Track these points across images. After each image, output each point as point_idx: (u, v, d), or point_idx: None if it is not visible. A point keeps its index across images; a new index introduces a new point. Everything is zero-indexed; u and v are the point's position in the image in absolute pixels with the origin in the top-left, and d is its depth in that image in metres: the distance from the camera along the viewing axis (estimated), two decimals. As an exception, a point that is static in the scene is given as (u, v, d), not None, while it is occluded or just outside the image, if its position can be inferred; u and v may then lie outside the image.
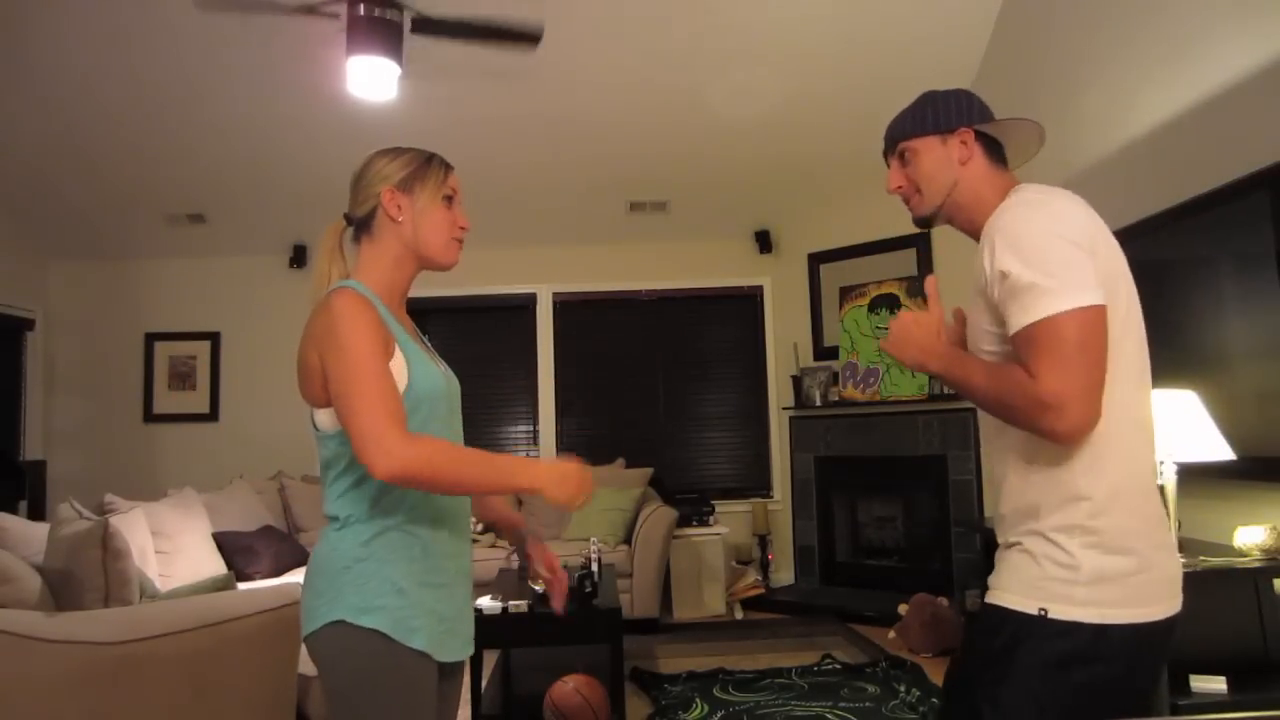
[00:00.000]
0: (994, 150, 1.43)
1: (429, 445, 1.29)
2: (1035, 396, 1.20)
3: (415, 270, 1.51)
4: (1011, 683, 1.25)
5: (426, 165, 1.49)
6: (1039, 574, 1.26)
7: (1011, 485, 1.34)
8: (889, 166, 1.50)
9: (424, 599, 1.37)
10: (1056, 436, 1.21)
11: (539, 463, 1.37)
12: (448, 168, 1.51)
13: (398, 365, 1.37)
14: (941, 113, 1.42)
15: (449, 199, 1.50)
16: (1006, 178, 1.42)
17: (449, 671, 1.47)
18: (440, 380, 1.45)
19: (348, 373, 1.30)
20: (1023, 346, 1.24)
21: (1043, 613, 1.24)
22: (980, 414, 1.44)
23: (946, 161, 1.41)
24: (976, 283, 1.35)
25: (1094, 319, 1.21)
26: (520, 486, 1.34)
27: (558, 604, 1.67)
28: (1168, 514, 2.37)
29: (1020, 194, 1.35)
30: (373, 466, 1.25)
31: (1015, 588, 1.29)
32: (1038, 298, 1.21)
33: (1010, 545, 1.33)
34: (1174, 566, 1.30)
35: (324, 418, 1.39)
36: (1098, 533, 1.23)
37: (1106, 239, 1.29)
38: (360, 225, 1.49)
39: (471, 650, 1.50)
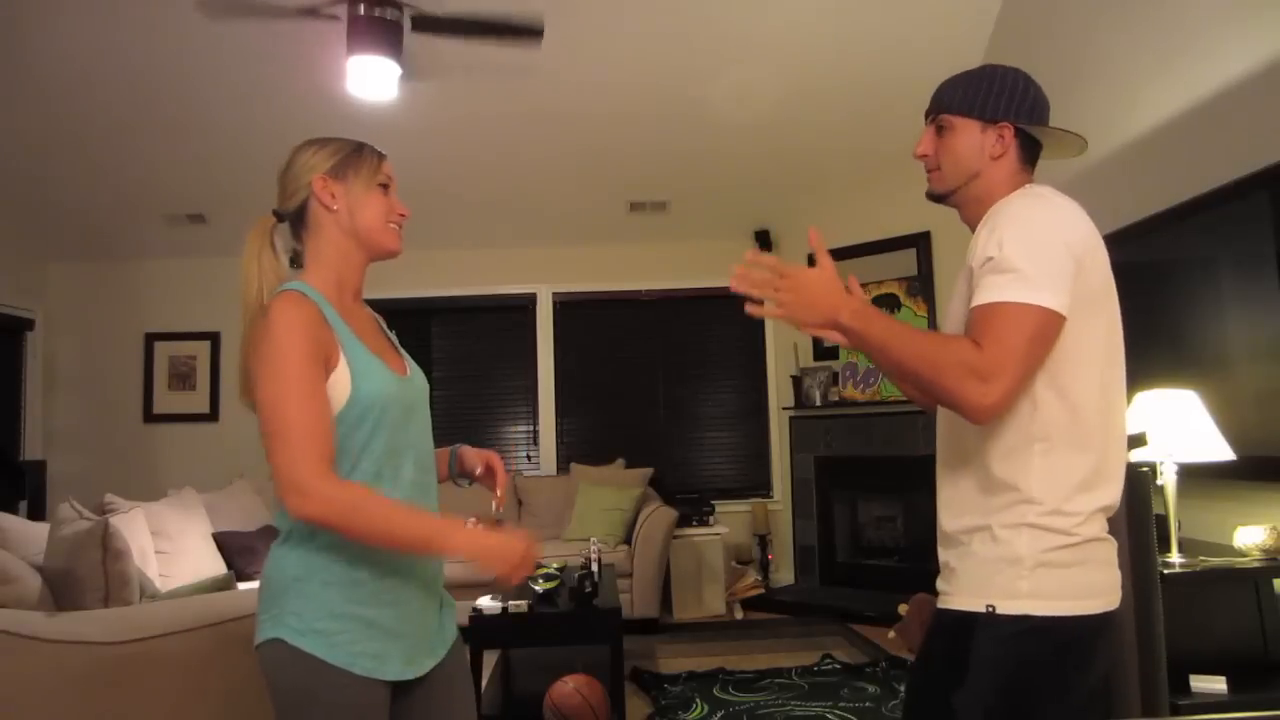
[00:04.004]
0: (1030, 149, 1.41)
1: (351, 494, 1.26)
2: (970, 362, 1.19)
3: (364, 260, 1.46)
4: (965, 686, 1.25)
5: (358, 153, 1.44)
6: (985, 572, 1.27)
7: (964, 494, 1.34)
8: (926, 126, 1.45)
9: (370, 619, 1.32)
10: (970, 406, 1.20)
11: (471, 533, 1.31)
12: (380, 155, 1.47)
13: (340, 376, 1.33)
14: (992, 99, 1.37)
15: (384, 186, 1.45)
16: (1025, 177, 1.40)
17: (422, 683, 1.41)
18: (391, 384, 1.38)
19: (273, 400, 1.26)
20: (981, 319, 1.23)
21: (990, 609, 1.25)
22: (939, 425, 1.42)
23: (978, 150, 1.38)
24: (967, 264, 1.34)
25: (1052, 324, 1.22)
26: (444, 552, 1.31)
27: (498, 497, 1.57)
28: (1168, 514, 2.37)
29: (1032, 188, 1.36)
30: (289, 508, 1.22)
31: (963, 588, 1.31)
32: (1016, 281, 1.21)
33: (957, 546, 1.34)
34: (1113, 561, 1.31)
35: None
36: (1045, 528, 1.24)
37: (1100, 253, 1.30)
38: (296, 220, 1.44)
39: (432, 663, 1.42)
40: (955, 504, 1.37)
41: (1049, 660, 1.24)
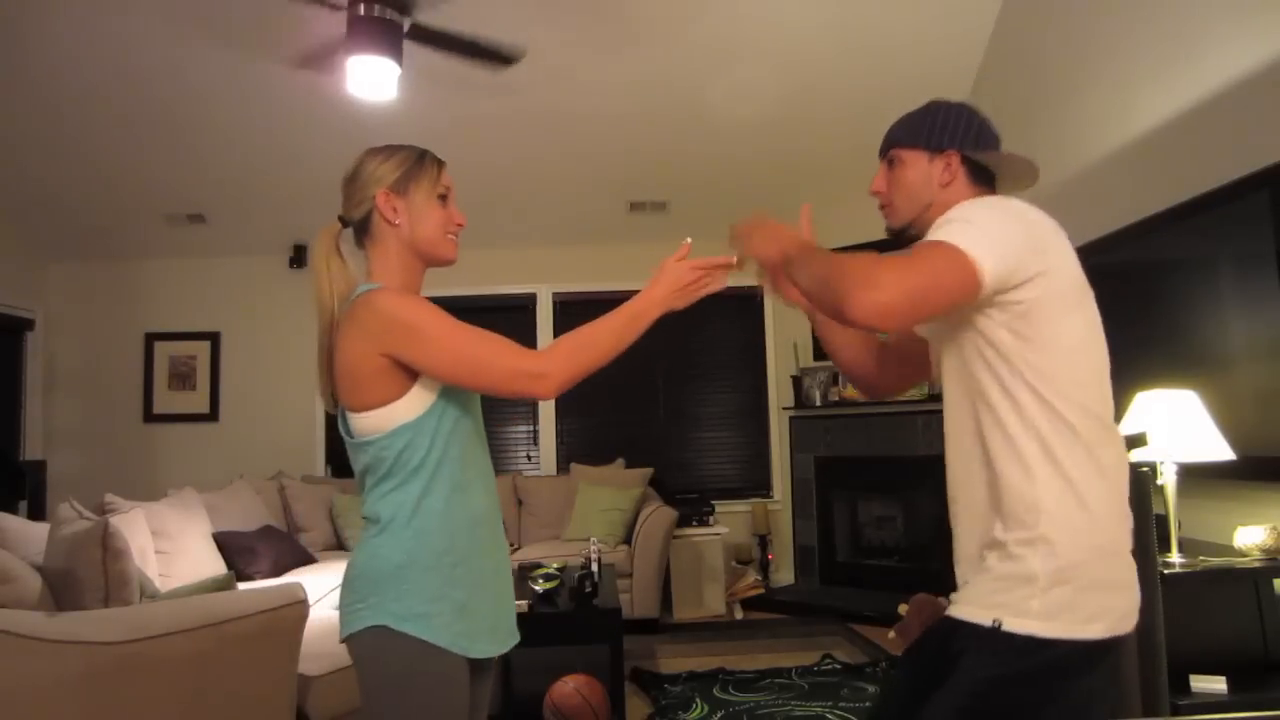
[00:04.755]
0: (981, 176, 1.41)
1: (563, 347, 1.37)
2: (865, 271, 1.18)
3: (423, 268, 1.52)
4: (945, 692, 1.23)
5: (419, 165, 1.48)
6: (997, 586, 1.25)
7: (979, 515, 1.32)
8: (880, 165, 1.49)
9: (462, 601, 1.39)
10: (849, 307, 1.18)
11: (652, 291, 1.44)
12: (440, 165, 1.50)
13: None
14: (937, 129, 1.41)
15: (443, 197, 1.49)
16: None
17: (482, 666, 1.49)
18: None
19: (444, 342, 1.34)
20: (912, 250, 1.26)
21: (996, 624, 1.22)
22: (948, 450, 1.40)
23: (927, 180, 1.41)
24: None
25: (969, 276, 1.19)
26: (651, 321, 1.42)
27: None
28: (1168, 514, 2.38)
29: (983, 198, 1.37)
30: (541, 395, 1.35)
31: (972, 599, 1.28)
32: (959, 228, 1.22)
33: (974, 564, 1.32)
34: (1132, 585, 1.28)
35: (363, 423, 1.38)
36: (1057, 543, 1.22)
37: (1068, 252, 1.29)
38: (359, 229, 1.49)
39: (510, 644, 1.50)
40: (971, 528, 1.34)
41: (1033, 677, 1.21)
